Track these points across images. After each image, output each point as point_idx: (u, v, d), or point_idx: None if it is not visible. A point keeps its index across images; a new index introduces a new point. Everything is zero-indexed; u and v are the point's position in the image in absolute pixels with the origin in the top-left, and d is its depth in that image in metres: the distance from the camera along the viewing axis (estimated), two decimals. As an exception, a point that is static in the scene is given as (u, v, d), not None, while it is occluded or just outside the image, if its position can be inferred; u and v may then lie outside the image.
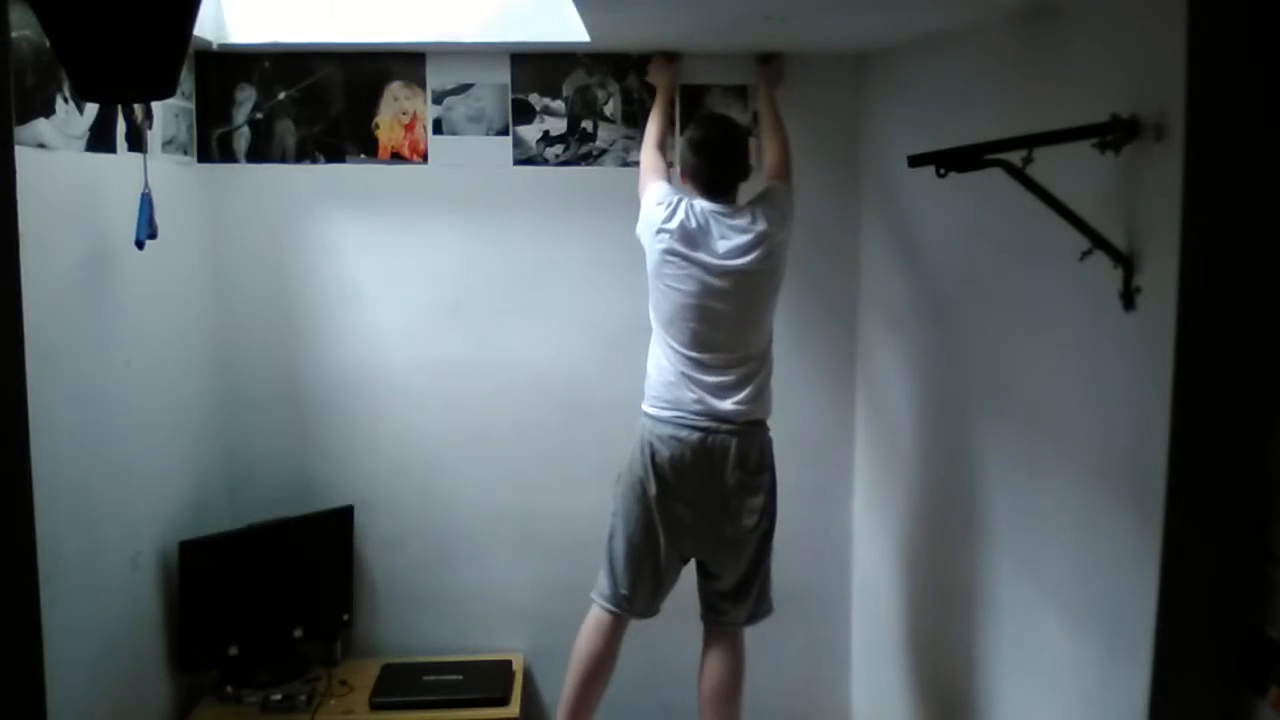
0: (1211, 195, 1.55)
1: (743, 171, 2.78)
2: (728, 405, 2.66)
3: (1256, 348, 1.56)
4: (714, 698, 2.81)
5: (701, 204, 2.70)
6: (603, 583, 2.80)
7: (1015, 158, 1.78)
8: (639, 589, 2.76)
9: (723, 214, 2.69)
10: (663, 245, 2.66)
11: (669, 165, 2.94)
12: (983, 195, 2.23)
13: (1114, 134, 1.69)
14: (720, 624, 2.82)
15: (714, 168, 2.72)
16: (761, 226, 2.67)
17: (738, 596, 2.78)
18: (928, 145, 1.86)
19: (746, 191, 2.82)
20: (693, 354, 2.67)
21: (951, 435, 2.60)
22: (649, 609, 2.80)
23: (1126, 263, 1.72)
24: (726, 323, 2.67)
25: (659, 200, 2.72)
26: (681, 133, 3.10)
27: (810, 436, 3.28)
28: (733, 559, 2.75)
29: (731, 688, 2.82)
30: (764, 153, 2.99)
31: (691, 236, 2.65)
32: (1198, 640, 1.62)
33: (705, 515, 2.71)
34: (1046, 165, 1.78)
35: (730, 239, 2.66)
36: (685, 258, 2.65)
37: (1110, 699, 1.82)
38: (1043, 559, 2.11)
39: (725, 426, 2.66)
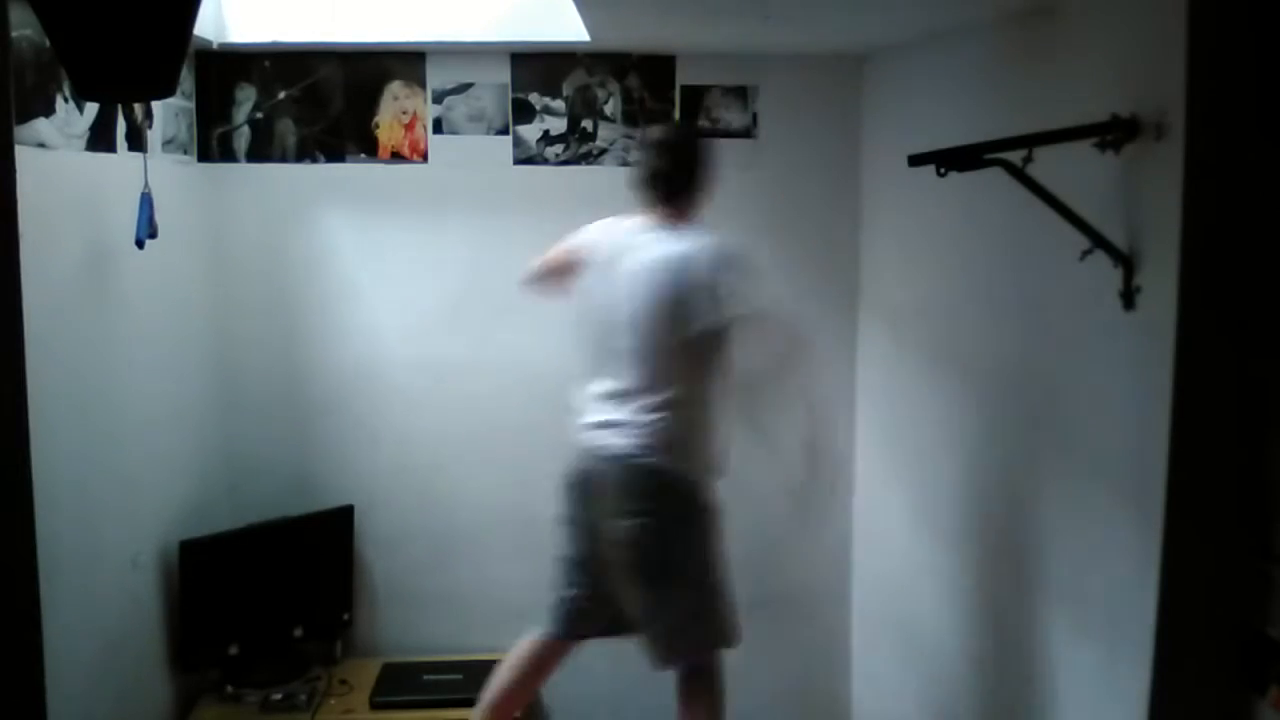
0: (1211, 195, 1.54)
1: (680, 178, 2.56)
2: (620, 433, 2.53)
3: (1256, 348, 1.56)
4: None
5: (625, 224, 2.61)
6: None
7: (1015, 157, 1.78)
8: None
9: (654, 226, 2.55)
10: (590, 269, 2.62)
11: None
12: (983, 195, 2.23)
13: (1114, 134, 1.69)
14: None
15: (651, 168, 2.58)
16: (700, 272, 2.46)
17: (647, 635, 2.61)
18: (928, 145, 1.86)
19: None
20: (597, 374, 2.59)
21: (951, 435, 2.60)
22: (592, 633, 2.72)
23: (1126, 262, 1.72)
24: (624, 340, 2.52)
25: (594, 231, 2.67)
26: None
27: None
28: (636, 590, 2.61)
29: None
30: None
31: (607, 250, 2.58)
32: (1198, 640, 1.62)
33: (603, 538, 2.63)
34: (1046, 165, 1.78)
35: (649, 251, 2.51)
36: (599, 269, 2.59)
37: (1110, 699, 1.82)
38: (1043, 558, 2.11)
39: (611, 453, 2.55)
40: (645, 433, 2.52)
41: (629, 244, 2.57)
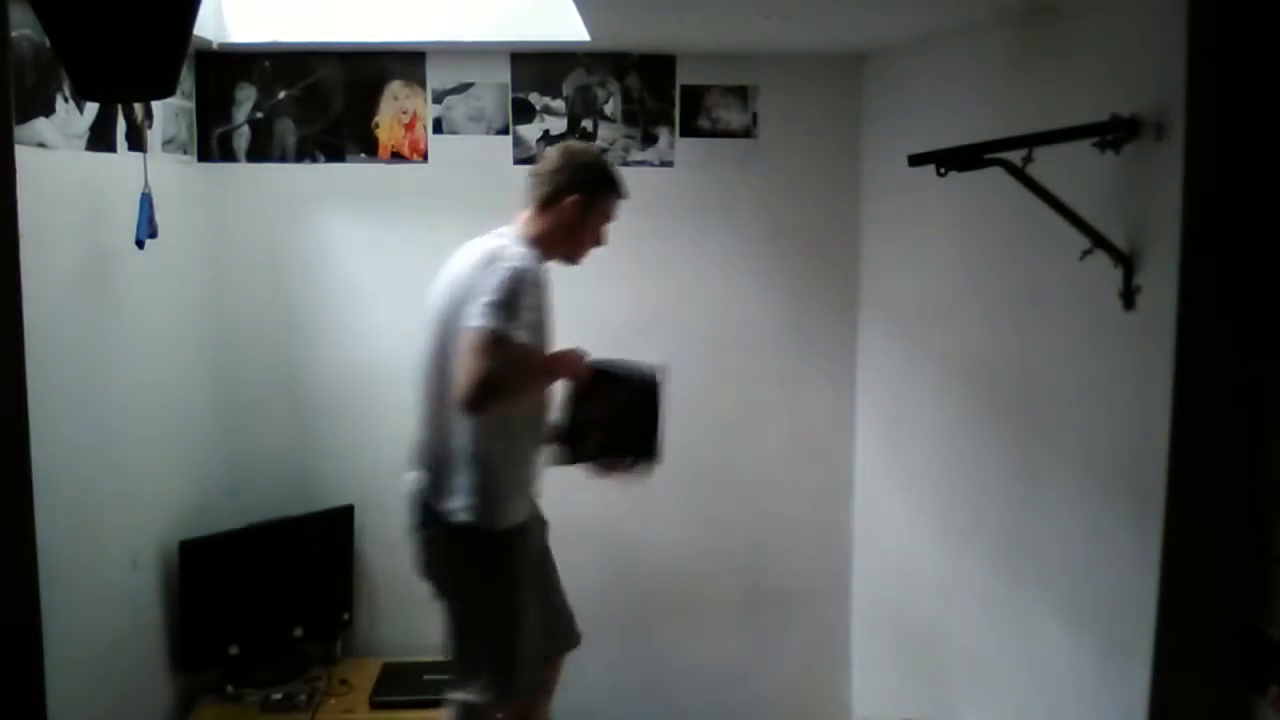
0: (1211, 195, 1.54)
1: (529, 186, 2.44)
2: (414, 456, 2.45)
3: (1256, 348, 1.56)
4: None
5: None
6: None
7: (1015, 157, 1.78)
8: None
9: (473, 243, 2.44)
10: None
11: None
12: (983, 195, 2.23)
13: (1114, 133, 1.70)
14: None
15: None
16: (463, 275, 2.32)
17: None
18: (928, 145, 1.86)
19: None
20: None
21: (951, 435, 2.60)
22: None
23: (1126, 262, 1.72)
24: (424, 371, 2.42)
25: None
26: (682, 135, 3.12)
27: (810, 436, 3.28)
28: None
29: None
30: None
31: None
32: (1198, 640, 1.62)
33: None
34: (1047, 165, 1.78)
35: (450, 269, 2.41)
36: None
37: (1110, 698, 1.82)
38: (1043, 558, 2.11)
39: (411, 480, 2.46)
40: (423, 465, 2.42)
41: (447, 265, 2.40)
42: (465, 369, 2.18)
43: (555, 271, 3.19)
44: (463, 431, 2.33)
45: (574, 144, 2.75)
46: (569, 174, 2.40)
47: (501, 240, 2.38)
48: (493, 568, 2.38)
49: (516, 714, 2.49)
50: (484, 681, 2.39)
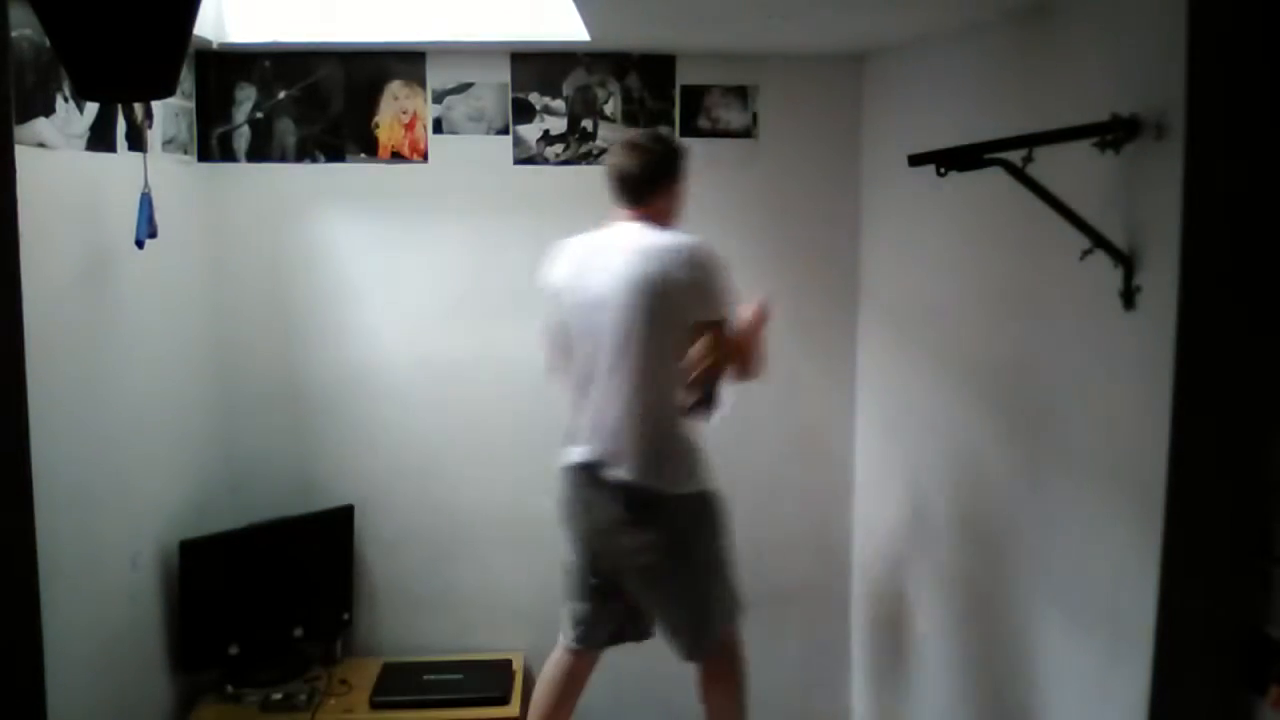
0: (1211, 195, 1.54)
1: (640, 171, 2.53)
2: (608, 444, 2.53)
3: (1256, 348, 1.56)
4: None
5: (602, 229, 2.59)
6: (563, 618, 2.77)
7: (1015, 157, 1.78)
8: (583, 619, 2.72)
9: (619, 232, 2.54)
10: (554, 279, 2.62)
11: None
12: (983, 195, 2.23)
13: (1114, 133, 1.69)
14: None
15: (615, 166, 2.57)
16: (647, 273, 2.43)
17: (671, 634, 2.66)
18: (928, 145, 1.86)
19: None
20: (576, 393, 2.60)
21: (951, 435, 2.60)
22: (597, 638, 2.74)
23: (1126, 262, 1.72)
24: (608, 351, 2.49)
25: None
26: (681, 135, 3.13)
27: (810, 436, 3.28)
28: (647, 596, 2.65)
29: (722, 710, 2.71)
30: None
31: (576, 262, 2.58)
32: (1198, 640, 1.62)
33: (606, 550, 2.63)
34: (1047, 165, 1.78)
35: (616, 258, 2.49)
36: (568, 285, 2.58)
37: (1110, 699, 1.82)
38: (1043, 558, 2.11)
39: (600, 471, 2.55)
40: (632, 452, 2.50)
41: (595, 258, 2.54)
42: (737, 351, 2.55)
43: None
44: (666, 410, 2.52)
45: (653, 132, 2.81)
46: (673, 160, 2.58)
47: (656, 234, 2.51)
48: (717, 522, 2.62)
49: (733, 635, 2.71)
50: (729, 616, 2.66)
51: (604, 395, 2.53)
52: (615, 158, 2.59)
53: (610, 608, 2.70)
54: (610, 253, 2.51)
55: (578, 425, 2.61)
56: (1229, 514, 1.59)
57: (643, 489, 2.51)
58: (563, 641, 2.76)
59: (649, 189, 2.54)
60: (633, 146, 2.58)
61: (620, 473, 2.52)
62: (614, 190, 2.57)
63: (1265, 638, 1.54)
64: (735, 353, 2.54)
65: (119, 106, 2.49)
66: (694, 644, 2.64)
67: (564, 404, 3.29)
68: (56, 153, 2.27)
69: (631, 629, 2.73)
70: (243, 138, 3.11)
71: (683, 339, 2.48)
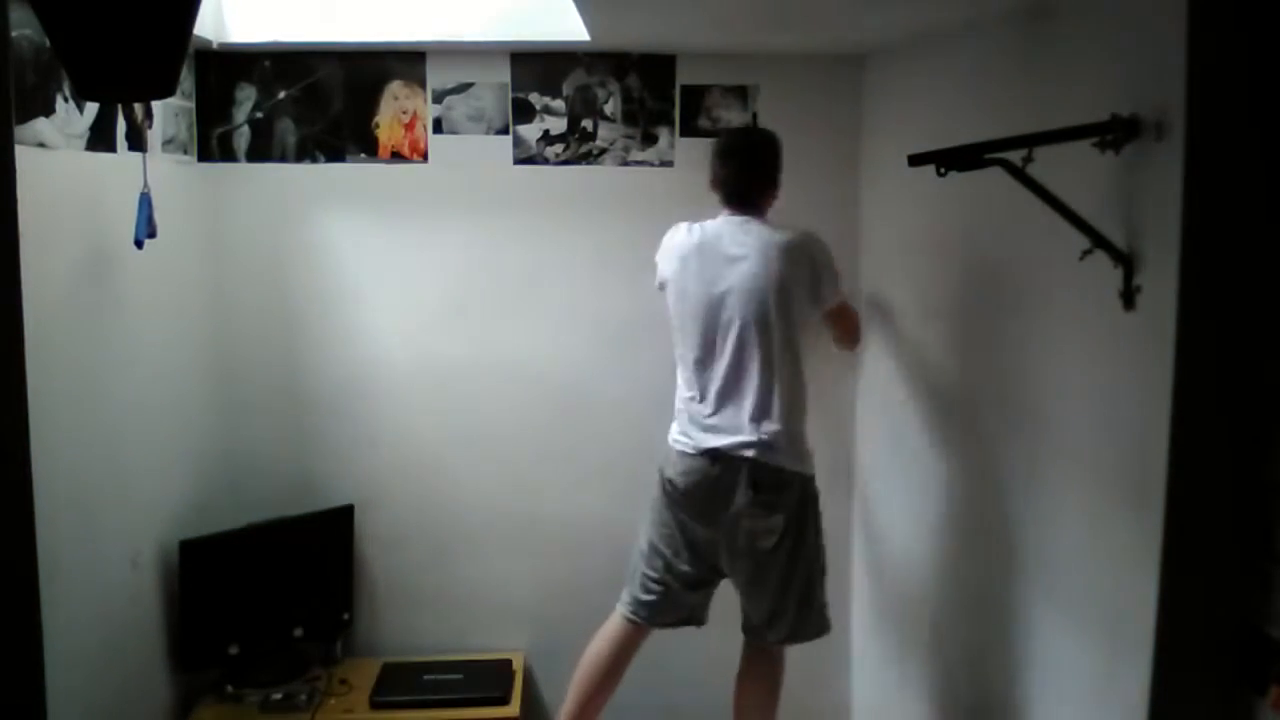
0: (1211, 195, 1.55)
1: (759, 179, 2.73)
2: (738, 426, 2.64)
3: (1256, 348, 1.56)
4: (744, 711, 2.84)
5: (715, 223, 2.71)
6: (625, 589, 2.82)
7: (1015, 157, 1.78)
8: (659, 603, 2.76)
9: (737, 227, 2.68)
10: (673, 263, 2.74)
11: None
12: (983, 195, 2.23)
13: (1114, 133, 1.69)
14: (758, 641, 2.82)
15: (730, 174, 2.72)
16: (775, 265, 2.64)
17: (771, 619, 2.75)
18: (928, 145, 1.86)
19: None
20: (697, 378, 2.69)
21: (951, 435, 2.60)
22: (665, 619, 2.80)
23: (1126, 262, 1.72)
24: (735, 339, 2.65)
25: (664, 245, 2.80)
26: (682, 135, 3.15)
27: (810, 436, 3.28)
28: (757, 581, 2.72)
29: (763, 705, 2.82)
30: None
31: (699, 249, 2.68)
32: (1198, 640, 1.62)
33: (719, 536, 2.69)
34: (1047, 164, 1.78)
35: (740, 249, 2.65)
36: (691, 272, 2.69)
37: (1110, 699, 1.82)
38: (1043, 558, 2.11)
39: (735, 448, 2.64)
40: (764, 431, 2.63)
41: (719, 251, 2.68)
42: (850, 326, 2.94)
43: (555, 269, 3.20)
44: (796, 392, 2.70)
45: (757, 131, 2.96)
46: (778, 159, 2.78)
47: (775, 229, 2.70)
48: (819, 509, 2.77)
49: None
50: (824, 599, 2.80)
51: (737, 380, 2.65)
52: (729, 161, 2.72)
53: (693, 594, 2.78)
54: (735, 247, 2.66)
55: (696, 410, 2.69)
56: (1229, 514, 1.59)
57: (775, 470, 2.63)
58: (623, 613, 2.80)
59: (762, 189, 2.74)
60: (746, 148, 2.75)
61: (753, 453, 2.62)
62: (726, 189, 2.73)
63: (1265, 638, 1.54)
64: (849, 328, 2.93)
65: (119, 106, 2.49)
66: (798, 626, 2.75)
67: (563, 398, 3.30)
68: (56, 153, 2.27)
69: (698, 615, 2.83)
70: (243, 138, 3.11)
71: (808, 324, 2.73)
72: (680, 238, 2.74)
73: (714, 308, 2.66)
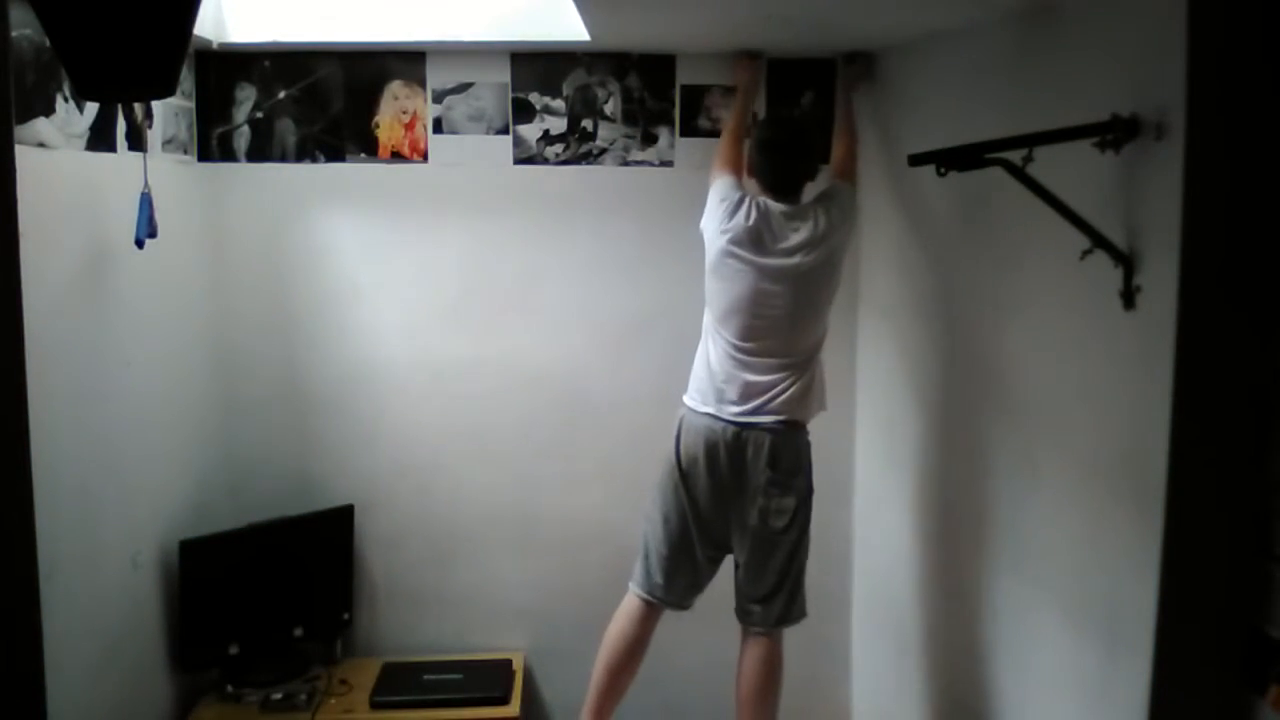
0: (1211, 195, 1.55)
1: (805, 172, 2.76)
2: (767, 403, 2.66)
3: (1256, 348, 1.56)
4: (747, 700, 2.83)
5: (766, 201, 2.70)
6: (638, 570, 2.82)
7: (1015, 157, 1.78)
8: (673, 578, 2.78)
9: (785, 213, 2.68)
10: (722, 243, 2.68)
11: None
12: (983, 194, 2.23)
13: (1114, 133, 1.70)
14: (750, 624, 2.82)
15: (777, 168, 2.72)
16: (823, 227, 2.67)
17: (767, 598, 2.77)
18: (928, 144, 1.86)
19: (811, 188, 2.81)
20: (741, 352, 2.69)
21: (952, 435, 2.60)
22: (683, 600, 2.82)
23: (1126, 262, 1.72)
24: (780, 322, 2.67)
25: (722, 197, 2.72)
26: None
27: (810, 436, 3.28)
28: (761, 558, 2.74)
29: (764, 690, 2.82)
30: (832, 151, 3.01)
31: (751, 235, 2.65)
32: (1198, 639, 1.62)
33: (734, 511, 2.72)
34: (1047, 164, 1.78)
35: (790, 239, 2.65)
36: (742, 258, 2.65)
37: (1110, 698, 1.82)
38: (1043, 558, 2.11)
39: (761, 424, 2.66)
40: (789, 400, 2.67)
41: (765, 225, 2.67)
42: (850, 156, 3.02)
43: (555, 269, 3.20)
44: (817, 382, 2.76)
45: (796, 122, 2.97)
46: (822, 149, 2.92)
47: (816, 218, 2.72)
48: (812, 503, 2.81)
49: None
50: (804, 596, 2.84)
51: (770, 359, 2.67)
52: (775, 155, 2.72)
53: (704, 573, 2.82)
54: (780, 231, 2.66)
55: (722, 386, 2.69)
56: (1229, 513, 1.59)
57: (794, 451, 2.69)
58: (638, 593, 2.81)
59: (808, 178, 2.78)
60: (790, 143, 2.75)
61: (775, 426, 2.66)
62: (769, 180, 2.72)
63: (1265, 638, 1.54)
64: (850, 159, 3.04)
65: (119, 106, 2.49)
66: (787, 609, 2.78)
67: (563, 398, 3.29)
68: (56, 153, 2.27)
69: (694, 596, 2.85)
70: (243, 138, 3.11)
71: (833, 306, 2.79)
72: (739, 218, 2.67)
73: (755, 286, 2.65)
